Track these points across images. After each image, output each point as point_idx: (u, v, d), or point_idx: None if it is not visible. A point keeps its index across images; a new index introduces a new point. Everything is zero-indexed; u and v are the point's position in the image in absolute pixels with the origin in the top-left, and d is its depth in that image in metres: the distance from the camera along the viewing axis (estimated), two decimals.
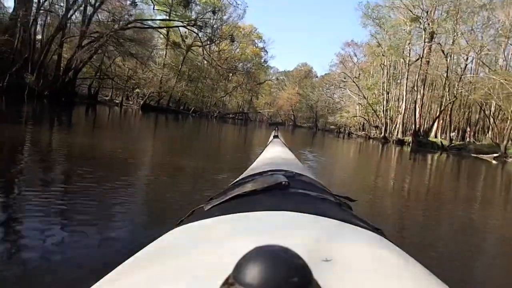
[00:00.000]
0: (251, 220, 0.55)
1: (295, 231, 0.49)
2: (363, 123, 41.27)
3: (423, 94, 28.85)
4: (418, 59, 32.44)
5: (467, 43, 23.81)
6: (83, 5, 19.82)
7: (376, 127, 35.01)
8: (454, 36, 24.59)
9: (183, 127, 17.94)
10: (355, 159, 11.63)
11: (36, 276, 1.57)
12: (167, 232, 0.58)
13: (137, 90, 32.50)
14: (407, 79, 31.83)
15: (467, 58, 25.19)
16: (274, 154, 1.73)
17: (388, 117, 32.79)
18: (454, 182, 8.32)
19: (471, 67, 27.80)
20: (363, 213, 1.06)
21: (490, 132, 32.23)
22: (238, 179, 1.10)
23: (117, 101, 32.25)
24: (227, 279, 0.22)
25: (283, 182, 0.73)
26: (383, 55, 31.86)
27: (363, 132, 39.28)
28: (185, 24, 23.53)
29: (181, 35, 27.59)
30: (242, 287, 0.21)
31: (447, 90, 25.27)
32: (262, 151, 2.08)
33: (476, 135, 35.03)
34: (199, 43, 36.02)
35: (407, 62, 31.21)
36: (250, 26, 58.33)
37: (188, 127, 18.52)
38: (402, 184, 6.70)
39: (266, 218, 0.56)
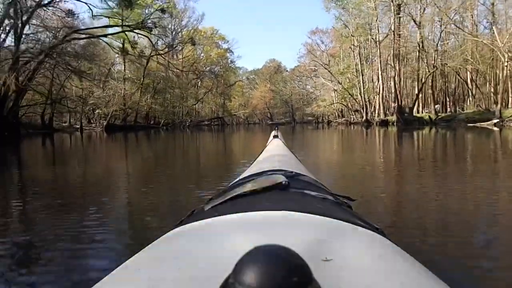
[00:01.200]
0: (251, 220, 0.55)
1: (295, 231, 0.49)
2: (341, 109, 39.42)
3: (399, 69, 27.03)
4: (388, 35, 30.81)
5: (439, 9, 22.03)
6: (10, 23, 16.83)
7: (356, 111, 33.15)
8: (423, 3, 22.78)
9: (155, 143, 15.46)
10: (341, 150, 9.53)
11: None
12: (167, 232, 0.57)
13: (98, 111, 29.49)
14: (379, 57, 30.06)
15: (441, 25, 23.39)
16: (274, 154, 1.70)
17: (366, 99, 30.94)
18: (483, 159, 6.18)
19: (442, 36, 26.15)
20: (365, 213, 0.96)
21: (470, 99, 30.88)
22: (238, 179, 1.09)
23: (77, 126, 29.19)
24: (227, 279, 0.22)
25: (283, 182, 0.72)
26: (352, 35, 29.95)
27: (343, 119, 37.39)
28: (131, 28, 20.73)
29: (129, 41, 24.70)
30: (242, 287, 0.21)
31: (425, 62, 23.46)
32: (262, 151, 1.97)
33: (455, 104, 33.72)
34: (159, 52, 33.31)
35: (377, 39, 29.43)
36: (211, 29, 55.92)
37: (160, 143, 16.02)
38: (413, 174, 4.55)
39: (266, 218, 0.55)
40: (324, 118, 51.20)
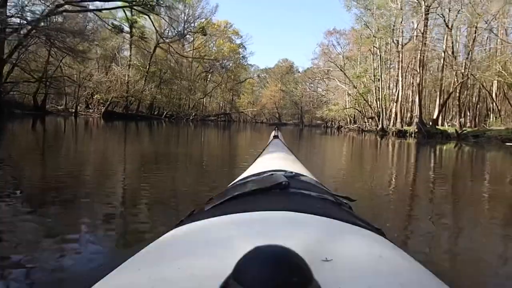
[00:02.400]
0: (251, 220, 0.54)
1: (295, 231, 0.49)
2: (354, 115, 36.85)
3: (422, 77, 24.46)
4: (411, 39, 28.22)
5: (475, 12, 19.45)
6: None
7: (371, 118, 30.57)
8: (458, 3, 20.16)
9: (153, 137, 13.42)
10: (358, 166, 7.31)
11: None
12: (167, 232, 0.57)
13: (97, 96, 27.37)
14: (401, 62, 27.51)
15: (476, 31, 20.74)
16: (274, 154, 1.69)
17: (383, 107, 28.40)
18: None
19: (474, 43, 23.45)
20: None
21: (492, 115, 28.14)
22: (238, 179, 1.08)
23: (73, 110, 27.13)
24: (227, 279, 0.22)
25: (283, 182, 0.71)
26: (374, 36, 27.40)
27: (355, 125, 34.83)
28: (130, 4, 18.46)
29: (128, 20, 22.40)
30: (242, 287, 0.21)
31: (454, 70, 20.91)
32: (262, 151, 1.92)
33: (475, 120, 31.02)
34: (165, 39, 31.10)
35: (401, 42, 26.88)
36: (225, 22, 53.70)
37: (158, 137, 13.95)
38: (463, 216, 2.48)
39: (266, 218, 0.55)
40: (333, 123, 48.65)
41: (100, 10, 20.43)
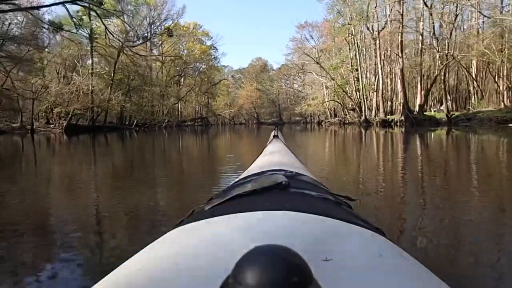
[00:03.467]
0: (251, 220, 0.54)
1: (295, 231, 0.48)
2: (334, 108, 35.30)
3: (403, 61, 22.97)
4: (386, 25, 26.81)
5: None
6: None
7: (353, 109, 29.00)
8: None
9: (120, 149, 11.26)
10: (345, 167, 5.58)
11: None
12: (167, 232, 0.57)
13: (57, 109, 24.61)
14: (379, 49, 26.04)
15: (457, 6, 19.26)
16: (274, 154, 1.66)
17: (364, 97, 26.88)
18: None
19: (456, 22, 22.11)
20: None
21: (474, 97, 27.07)
22: (238, 179, 1.06)
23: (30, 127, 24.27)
24: (227, 279, 0.22)
25: (283, 182, 0.71)
26: (349, 24, 25.79)
27: (336, 119, 33.25)
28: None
29: (71, 16, 19.84)
30: (242, 287, 0.20)
31: (436, 51, 19.44)
32: (262, 151, 1.92)
33: (457, 102, 29.99)
34: (128, 44, 28.53)
35: (376, 29, 25.40)
36: (193, 23, 51.27)
37: (125, 149, 11.79)
38: None
39: (266, 218, 0.54)
40: (313, 118, 47.15)
41: (37, 7, 17.79)
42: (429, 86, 21.47)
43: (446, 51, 19.27)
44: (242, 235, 0.46)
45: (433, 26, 19.83)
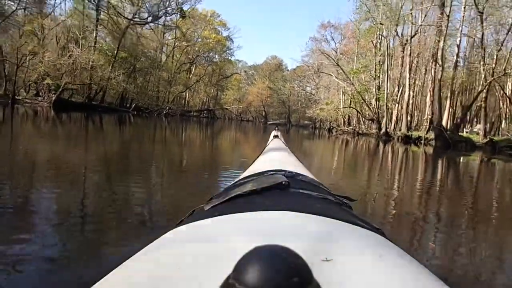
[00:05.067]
0: (251, 220, 0.53)
1: (295, 231, 0.48)
2: (349, 116, 32.15)
3: (434, 74, 19.80)
4: (418, 31, 23.65)
5: None
6: None
7: (371, 120, 25.86)
8: None
9: (100, 138, 8.67)
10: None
11: None
12: (167, 232, 0.56)
13: (47, 81, 21.83)
14: (409, 55, 22.89)
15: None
16: (274, 154, 1.65)
17: (386, 107, 23.78)
18: None
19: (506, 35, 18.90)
20: None
21: (504, 120, 23.80)
22: (238, 179, 1.05)
23: (18, 98, 21.54)
24: (227, 279, 0.21)
25: (283, 182, 0.70)
26: (381, 23, 22.62)
27: (350, 127, 30.11)
28: None
29: None
30: (242, 287, 0.20)
31: (481, 64, 16.31)
32: (262, 151, 1.89)
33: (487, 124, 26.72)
34: (138, 21, 25.66)
35: (409, 33, 22.26)
36: (211, 11, 48.31)
37: (109, 136, 9.21)
38: None
39: (266, 218, 0.54)
40: (323, 123, 44.01)
41: None
42: (463, 102, 18.30)
43: (493, 65, 16.08)
44: (242, 235, 0.45)
45: (482, 34, 16.59)
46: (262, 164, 1.24)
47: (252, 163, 1.45)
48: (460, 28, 20.03)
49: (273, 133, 2.56)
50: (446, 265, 1.98)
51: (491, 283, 1.52)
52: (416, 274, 0.40)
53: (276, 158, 1.45)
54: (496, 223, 3.24)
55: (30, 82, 23.05)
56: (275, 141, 2.21)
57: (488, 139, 15.34)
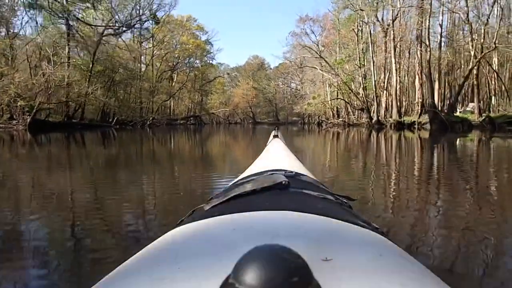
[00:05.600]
0: (251, 220, 0.53)
1: (295, 231, 0.48)
2: (337, 108, 31.43)
3: (421, 55, 19.14)
4: (397, 16, 23.02)
5: None
6: None
7: (362, 110, 25.14)
8: None
9: (79, 158, 7.58)
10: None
11: None
12: (167, 232, 0.56)
13: (20, 102, 20.51)
14: (393, 40, 22.23)
15: None
16: (274, 153, 1.64)
17: (375, 95, 23.08)
18: None
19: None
20: None
21: (494, 97, 23.33)
22: (238, 179, 1.04)
23: None
24: (227, 279, 0.21)
25: (283, 182, 0.69)
26: (361, 10, 21.90)
27: (339, 119, 29.38)
28: None
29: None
30: (242, 287, 0.20)
31: (471, 40, 15.64)
32: (262, 151, 1.86)
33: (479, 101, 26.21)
34: (111, 31, 24.46)
35: (391, 16, 21.61)
36: (187, 16, 47.16)
37: (91, 156, 8.13)
38: None
39: (266, 218, 0.54)
40: (311, 118, 43.33)
41: None
42: (451, 82, 17.63)
43: (482, 40, 15.41)
44: (242, 235, 0.45)
45: (467, 9, 15.93)
46: (262, 163, 1.23)
47: (252, 163, 1.42)
48: (442, 7, 19.44)
49: (273, 132, 2.53)
50: (447, 266, 1.67)
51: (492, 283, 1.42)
52: (416, 274, 0.40)
53: (276, 157, 1.45)
54: None
55: (2, 106, 21.66)
56: (275, 141, 2.20)
57: (484, 117, 14.64)
